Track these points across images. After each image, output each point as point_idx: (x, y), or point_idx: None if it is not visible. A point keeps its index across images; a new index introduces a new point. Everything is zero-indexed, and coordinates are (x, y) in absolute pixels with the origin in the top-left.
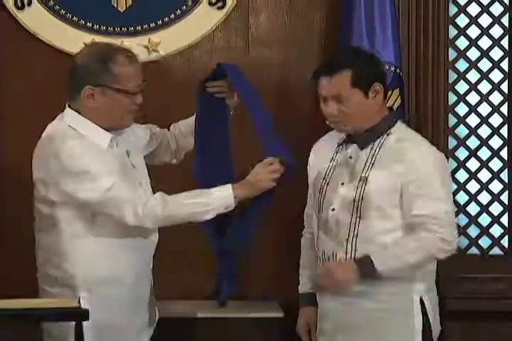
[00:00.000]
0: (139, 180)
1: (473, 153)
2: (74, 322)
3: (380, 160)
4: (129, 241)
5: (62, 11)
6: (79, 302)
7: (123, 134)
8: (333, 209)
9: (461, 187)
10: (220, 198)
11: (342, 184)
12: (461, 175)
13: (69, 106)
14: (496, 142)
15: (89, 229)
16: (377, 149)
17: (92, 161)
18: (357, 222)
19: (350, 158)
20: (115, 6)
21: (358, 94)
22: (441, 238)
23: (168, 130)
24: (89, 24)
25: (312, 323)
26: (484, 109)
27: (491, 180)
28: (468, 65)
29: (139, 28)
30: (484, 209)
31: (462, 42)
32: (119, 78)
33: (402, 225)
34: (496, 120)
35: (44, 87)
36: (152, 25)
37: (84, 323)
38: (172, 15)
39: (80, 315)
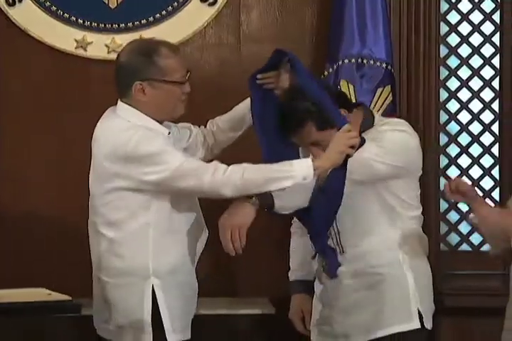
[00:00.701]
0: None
1: (464, 150)
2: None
3: None
4: (190, 231)
5: (54, 8)
6: (153, 290)
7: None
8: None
9: None
10: (300, 167)
11: None
12: (453, 172)
13: (122, 101)
14: (487, 139)
15: (158, 220)
16: None
17: (159, 145)
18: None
19: None
20: (106, 2)
21: (329, 131)
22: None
23: (205, 127)
24: (80, 21)
25: (306, 310)
26: (475, 105)
27: (482, 177)
28: (459, 61)
29: (130, 24)
30: None
31: (453, 39)
32: (165, 70)
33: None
34: (487, 117)
35: (37, 84)
36: (143, 21)
37: (161, 312)
38: (163, 12)
39: (72, 309)
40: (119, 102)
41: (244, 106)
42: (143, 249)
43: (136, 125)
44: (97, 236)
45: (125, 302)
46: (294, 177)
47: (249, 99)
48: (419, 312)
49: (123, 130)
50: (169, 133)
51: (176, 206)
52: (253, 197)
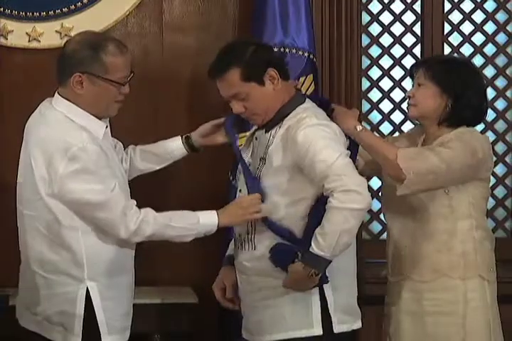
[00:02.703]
0: (125, 177)
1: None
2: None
3: (277, 140)
4: None
5: None
6: (87, 291)
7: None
8: (240, 191)
9: None
10: (205, 226)
11: (249, 165)
12: None
13: (58, 93)
14: (408, 128)
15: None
16: (278, 129)
17: (99, 168)
18: None
19: (256, 139)
20: None
21: (254, 86)
22: (344, 190)
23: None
24: (0, 9)
25: (229, 282)
26: (397, 94)
27: None
28: (381, 50)
29: (51, 12)
30: None
31: (375, 29)
32: (108, 68)
33: (302, 199)
34: None
35: None
36: (65, 10)
37: (97, 314)
38: (85, 0)
39: None
40: (56, 95)
41: (171, 145)
42: (77, 252)
43: (78, 130)
44: (35, 231)
45: (59, 301)
46: (197, 234)
47: (178, 139)
48: (330, 317)
49: (64, 135)
50: (106, 126)
51: None
52: None
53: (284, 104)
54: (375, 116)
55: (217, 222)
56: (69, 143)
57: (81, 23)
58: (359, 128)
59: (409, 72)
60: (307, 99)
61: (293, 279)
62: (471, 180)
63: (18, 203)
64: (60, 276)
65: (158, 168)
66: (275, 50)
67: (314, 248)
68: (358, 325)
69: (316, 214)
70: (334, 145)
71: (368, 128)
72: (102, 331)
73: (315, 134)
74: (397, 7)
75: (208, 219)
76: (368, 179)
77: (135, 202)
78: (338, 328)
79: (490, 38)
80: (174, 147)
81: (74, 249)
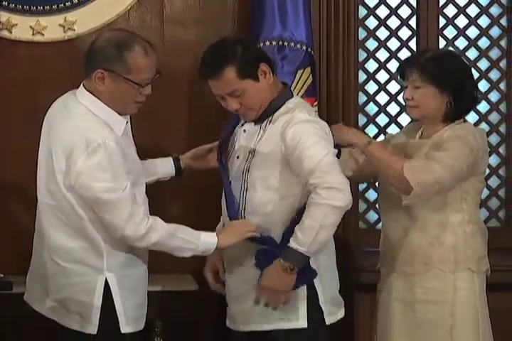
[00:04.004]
0: (140, 175)
1: (382, 130)
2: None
3: (267, 133)
4: None
5: None
6: (106, 282)
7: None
8: (230, 182)
9: None
10: (205, 243)
11: (237, 157)
12: None
13: (83, 85)
14: (404, 119)
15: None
16: (268, 123)
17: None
18: (243, 194)
19: (244, 131)
20: None
21: (250, 83)
22: (327, 187)
23: None
24: (4, 3)
25: (221, 265)
26: (393, 87)
27: None
28: (377, 44)
29: (54, 6)
30: None
31: (371, 22)
32: (131, 68)
33: (289, 195)
34: None
35: None
36: (68, 4)
37: (116, 303)
38: None
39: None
40: (81, 87)
41: (161, 161)
42: (97, 242)
43: (101, 128)
44: (55, 220)
45: (77, 290)
46: (195, 250)
47: (170, 159)
48: (320, 309)
49: (85, 129)
50: (127, 122)
51: None
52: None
53: (274, 97)
54: (371, 108)
55: (216, 241)
56: (90, 138)
57: (84, 16)
58: (370, 141)
59: (400, 72)
60: (295, 94)
61: (269, 275)
62: (470, 177)
63: (38, 193)
64: (78, 266)
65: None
66: (274, 43)
67: (292, 242)
68: (342, 313)
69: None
70: (323, 143)
71: (365, 119)
72: (121, 320)
73: (305, 130)
74: (393, 1)
75: (208, 238)
76: None
77: (143, 209)
78: (328, 320)
79: (484, 32)
80: (162, 163)
81: (94, 240)
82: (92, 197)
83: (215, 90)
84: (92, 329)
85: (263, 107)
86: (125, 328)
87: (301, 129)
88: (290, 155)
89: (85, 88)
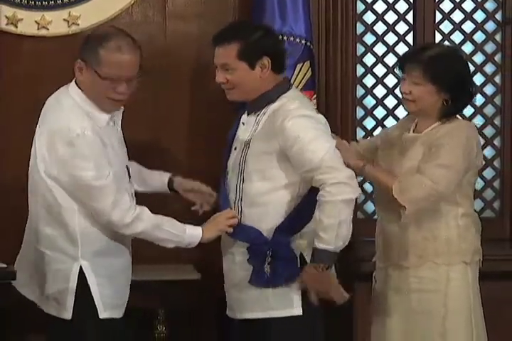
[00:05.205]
0: (125, 165)
1: (380, 123)
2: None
3: (261, 126)
4: None
5: None
6: (81, 269)
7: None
8: (228, 173)
9: None
10: (190, 237)
11: (235, 149)
12: None
13: (75, 79)
14: (401, 112)
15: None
16: (262, 115)
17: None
18: (240, 185)
19: (243, 124)
20: None
21: (243, 66)
22: (335, 183)
23: None
24: None
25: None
26: (391, 80)
27: None
28: (375, 38)
29: (59, 1)
30: None
31: (369, 17)
32: (100, 61)
33: (286, 185)
34: None
35: None
36: None
37: (92, 290)
38: None
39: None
40: (73, 81)
41: (159, 175)
42: (72, 230)
43: (83, 121)
44: (37, 208)
45: (54, 277)
46: (180, 242)
47: (167, 175)
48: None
49: (69, 120)
50: (112, 117)
51: None
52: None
53: (268, 89)
54: (369, 101)
55: (201, 235)
56: (71, 128)
57: (88, 11)
58: (363, 165)
59: (400, 64)
60: (293, 88)
61: (311, 282)
62: (466, 174)
63: (29, 183)
64: (56, 253)
65: (139, 189)
66: None
67: (318, 244)
68: None
69: (307, 205)
70: (325, 137)
71: (363, 112)
72: (99, 307)
73: (305, 124)
74: None
75: (193, 231)
76: None
77: (130, 199)
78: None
79: (479, 26)
80: (160, 177)
81: (70, 227)
82: (79, 185)
83: (215, 59)
84: (67, 315)
85: (251, 95)
86: (103, 314)
87: (299, 123)
88: (288, 150)
89: (75, 80)
